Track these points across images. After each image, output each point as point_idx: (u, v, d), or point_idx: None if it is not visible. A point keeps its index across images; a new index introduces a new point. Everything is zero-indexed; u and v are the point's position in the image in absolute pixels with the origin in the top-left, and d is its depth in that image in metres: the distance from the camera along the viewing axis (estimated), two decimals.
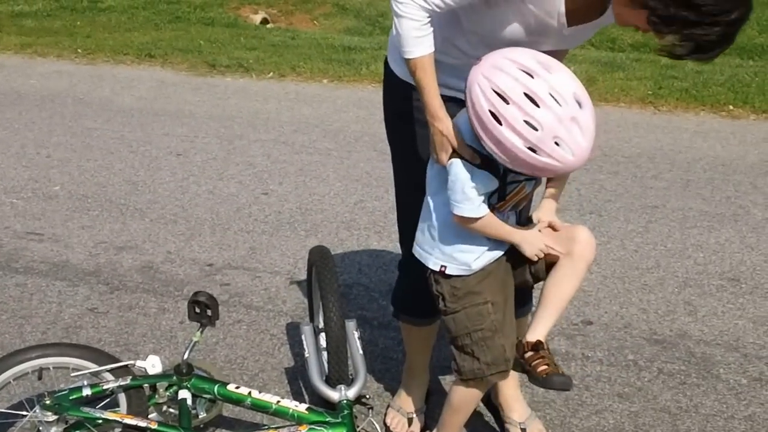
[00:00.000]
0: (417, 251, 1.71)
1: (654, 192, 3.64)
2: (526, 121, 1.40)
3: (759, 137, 4.41)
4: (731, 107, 4.87)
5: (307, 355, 1.92)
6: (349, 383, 1.85)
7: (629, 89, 5.14)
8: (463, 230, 1.60)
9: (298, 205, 3.41)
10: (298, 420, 1.80)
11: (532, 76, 1.41)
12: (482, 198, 1.55)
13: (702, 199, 3.59)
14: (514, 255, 1.67)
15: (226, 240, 3.06)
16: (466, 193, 1.54)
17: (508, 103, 1.41)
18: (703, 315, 2.59)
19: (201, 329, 1.92)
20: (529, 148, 1.41)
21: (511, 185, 1.58)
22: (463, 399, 1.73)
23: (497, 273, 1.66)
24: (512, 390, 1.99)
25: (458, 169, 1.54)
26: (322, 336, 2.01)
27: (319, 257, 2.05)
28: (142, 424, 1.74)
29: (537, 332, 1.64)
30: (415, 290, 1.89)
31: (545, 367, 1.60)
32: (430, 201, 1.67)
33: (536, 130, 1.40)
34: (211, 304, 1.89)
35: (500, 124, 1.42)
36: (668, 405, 2.11)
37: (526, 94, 1.40)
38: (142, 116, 4.59)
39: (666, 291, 2.75)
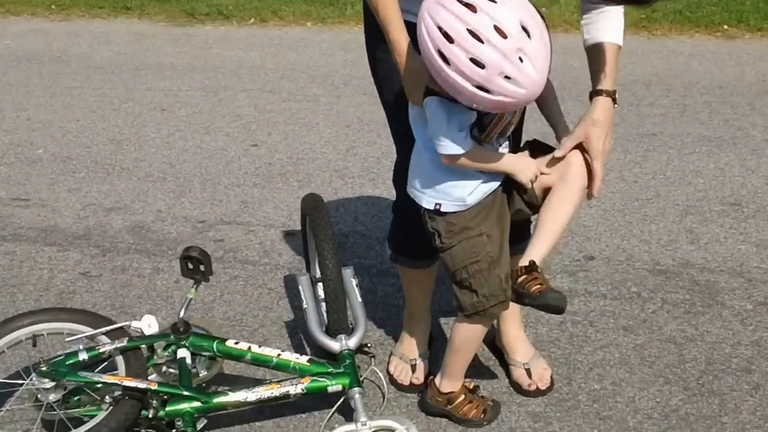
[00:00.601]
0: (410, 191, 1.67)
1: (651, 119, 3.54)
2: (471, 59, 1.33)
3: (755, 56, 4.28)
4: (726, 27, 4.71)
5: (305, 306, 1.88)
6: (350, 332, 1.82)
7: None
8: (451, 168, 1.55)
9: (288, 155, 3.31)
10: (300, 372, 1.77)
11: (474, 11, 1.33)
12: (464, 132, 1.49)
13: (700, 124, 3.49)
14: (509, 186, 1.62)
15: (217, 195, 2.98)
16: (445, 131, 1.48)
17: (452, 42, 1.33)
18: (706, 242, 2.54)
19: (195, 285, 1.87)
20: (478, 87, 1.35)
21: (489, 115, 1.51)
22: (466, 338, 1.71)
23: (493, 206, 1.62)
24: (515, 331, 1.95)
25: (434, 106, 1.47)
26: (320, 286, 1.96)
27: (311, 206, 1.98)
28: (142, 385, 1.70)
29: (532, 256, 1.60)
30: (411, 231, 1.82)
31: (539, 286, 1.56)
32: (418, 141, 1.61)
33: (482, 68, 1.33)
34: (203, 258, 1.83)
35: (447, 64, 1.36)
36: (673, 335, 2.08)
37: (469, 31, 1.32)
38: (122, 72, 4.43)
39: (667, 220, 2.69)
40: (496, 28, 1.31)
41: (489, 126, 1.53)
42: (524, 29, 1.33)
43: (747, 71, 4.08)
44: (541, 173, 1.58)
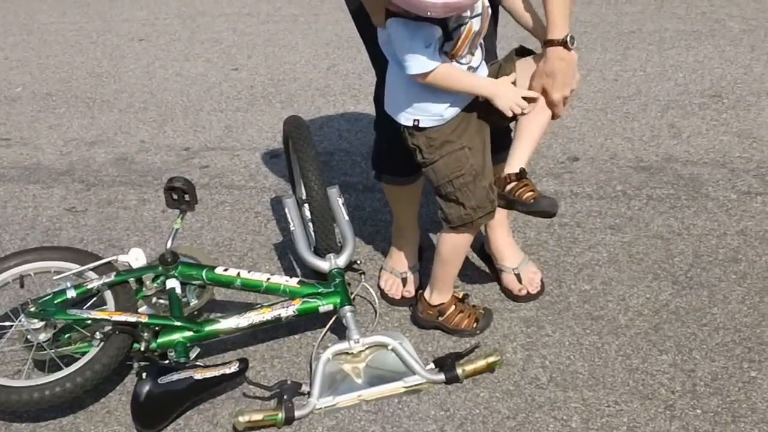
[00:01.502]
0: (388, 109, 1.49)
1: (629, 17, 3.24)
2: None
3: None
4: None
5: (292, 228, 1.70)
6: (339, 251, 1.65)
7: None
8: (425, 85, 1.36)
9: (270, 77, 3.02)
10: (291, 295, 1.61)
11: None
12: (430, 50, 1.31)
13: (678, 18, 3.20)
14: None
15: (200, 122, 2.72)
16: (410, 50, 1.30)
17: None
18: (688, 135, 2.33)
19: (181, 215, 1.67)
20: None
21: (456, 30, 1.33)
22: (452, 248, 1.56)
23: (471, 117, 1.45)
24: (503, 237, 1.77)
25: (395, 27, 1.31)
26: (306, 207, 1.77)
27: (293, 128, 1.77)
28: (132, 318, 1.54)
29: (515, 163, 1.49)
30: (392, 148, 1.63)
31: (531, 192, 1.48)
32: (390, 61, 1.42)
33: None
34: (187, 188, 1.63)
35: None
36: (660, 230, 1.91)
37: None
38: (98, 4, 4.03)
39: (649, 116, 2.46)
40: None
41: (459, 39, 1.34)
42: None
43: None
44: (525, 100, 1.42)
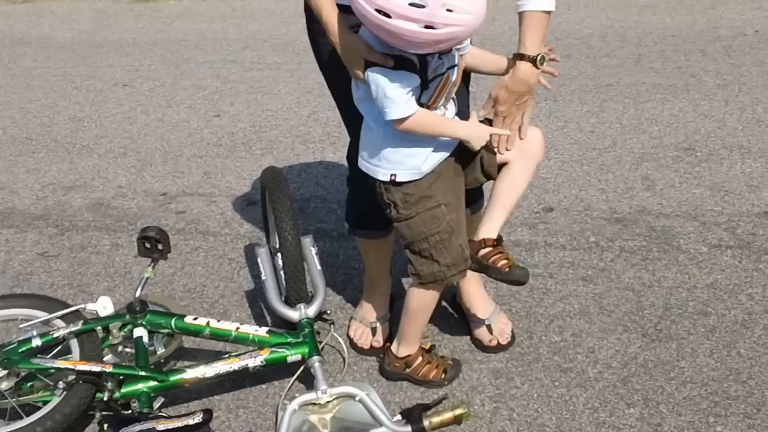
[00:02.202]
0: (363, 165, 1.54)
1: (607, 70, 3.39)
2: (411, 4, 1.28)
3: (706, 4, 4.12)
4: None
5: (264, 277, 1.74)
6: (309, 301, 1.69)
7: None
8: (407, 134, 1.42)
9: (251, 124, 3.12)
10: (260, 344, 1.64)
11: None
12: (408, 97, 1.38)
13: (654, 72, 3.35)
14: (463, 154, 1.51)
15: (179, 167, 2.79)
16: (389, 96, 1.37)
17: None
18: (661, 188, 2.42)
19: (152, 264, 1.72)
20: (427, 27, 1.29)
21: (434, 80, 1.40)
22: (421, 303, 1.60)
23: (447, 173, 1.50)
24: (476, 288, 1.82)
25: (375, 76, 1.38)
26: (279, 256, 1.82)
27: (270, 178, 1.84)
28: (96, 368, 1.56)
29: (492, 229, 1.55)
30: (366, 205, 1.69)
31: (506, 261, 1.54)
32: (367, 118, 1.49)
33: (423, 7, 1.28)
34: (161, 237, 1.68)
35: (389, 17, 1.29)
36: (631, 282, 1.97)
37: None
38: (84, 50, 4.16)
39: (624, 168, 2.56)
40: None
41: (436, 89, 1.41)
42: None
43: (698, 19, 3.93)
44: (500, 148, 1.52)
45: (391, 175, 1.47)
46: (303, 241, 1.77)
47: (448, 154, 1.49)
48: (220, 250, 2.24)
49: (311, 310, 1.66)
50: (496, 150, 1.53)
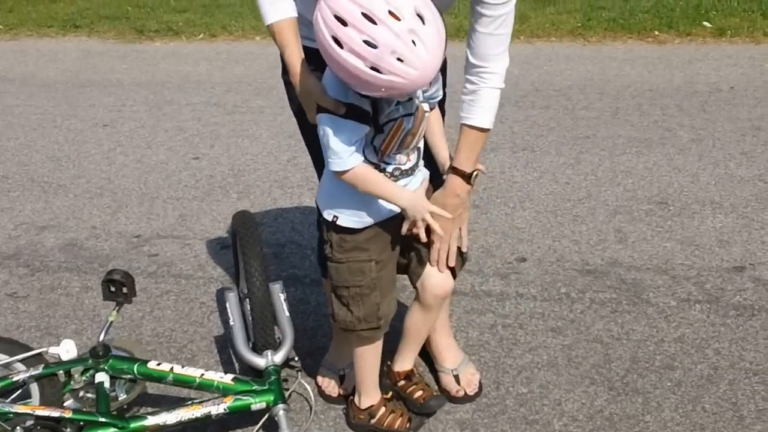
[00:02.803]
0: (317, 198, 1.60)
1: (585, 122, 3.52)
2: (365, 41, 1.29)
3: (683, 60, 4.31)
4: (657, 33, 4.75)
5: (231, 323, 1.77)
6: (277, 348, 1.72)
7: (560, 23, 4.96)
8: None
9: (230, 167, 3.19)
10: (224, 392, 1.66)
11: None
12: (352, 150, 1.43)
13: (630, 126, 3.48)
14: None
15: (154, 209, 2.84)
16: (332, 147, 1.42)
17: (346, 25, 1.29)
18: (633, 241, 2.50)
19: (117, 308, 1.75)
20: (372, 68, 1.30)
21: (387, 125, 1.45)
22: (359, 350, 1.67)
23: (387, 231, 1.55)
24: (445, 338, 1.87)
25: (324, 124, 1.43)
26: (248, 302, 1.85)
27: (241, 223, 1.89)
28: (55, 414, 1.58)
29: (407, 361, 1.70)
30: None
31: (421, 392, 1.70)
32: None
33: (375, 47, 1.29)
34: (126, 281, 1.71)
35: (341, 47, 1.31)
36: (600, 335, 2.03)
37: (363, 14, 1.28)
38: (66, 89, 4.25)
39: (597, 220, 2.64)
40: (390, 12, 1.28)
41: (388, 134, 1.45)
42: (418, 15, 1.30)
43: (676, 74, 4.10)
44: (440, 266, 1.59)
45: (334, 217, 1.52)
46: (272, 288, 1.81)
47: (393, 214, 1.52)
48: (191, 294, 2.27)
49: (278, 357, 1.69)
50: (435, 266, 1.60)
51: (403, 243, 1.59)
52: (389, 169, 1.50)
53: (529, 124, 3.50)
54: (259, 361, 1.70)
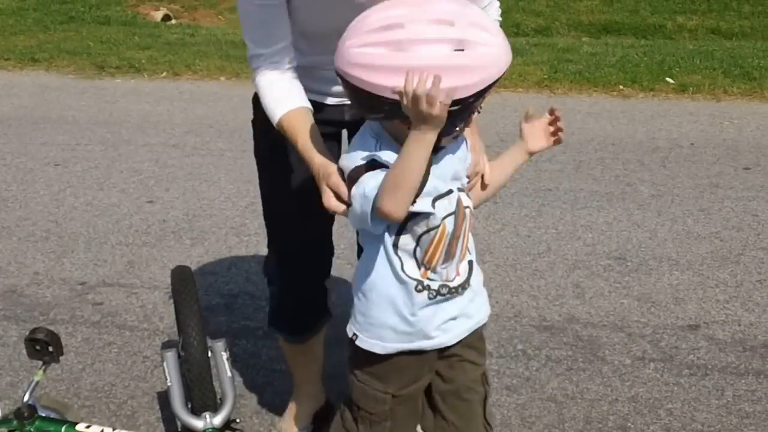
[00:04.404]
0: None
1: (548, 175, 3.63)
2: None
3: (647, 115, 4.50)
4: (622, 87, 4.96)
5: (169, 383, 1.76)
6: (216, 409, 1.71)
7: (526, 74, 5.15)
8: (383, 298, 1.31)
9: (185, 212, 3.20)
10: None
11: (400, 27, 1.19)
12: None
13: (593, 179, 3.61)
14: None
15: (102, 255, 2.82)
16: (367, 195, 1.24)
17: (403, 27, 1.18)
18: (591, 297, 2.57)
19: (43, 367, 1.72)
20: (458, 49, 1.17)
21: (428, 233, 1.30)
22: None
23: (414, 365, 1.36)
24: None
25: (359, 192, 1.25)
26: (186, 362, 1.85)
27: (178, 279, 1.90)
28: None
29: None
30: (284, 304, 1.76)
31: None
32: (359, 260, 1.39)
33: (451, 24, 1.18)
34: (50, 339, 1.69)
35: (413, 47, 1.18)
36: (555, 393, 2.07)
37: (411, 11, 1.19)
38: (20, 126, 4.23)
39: (556, 275, 2.72)
40: (436, 20, 1.19)
41: (431, 246, 1.29)
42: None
43: (638, 129, 4.28)
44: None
45: (354, 334, 1.36)
46: (214, 346, 1.81)
47: (418, 347, 1.32)
48: (135, 347, 2.25)
49: (217, 419, 1.68)
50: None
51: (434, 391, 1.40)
52: (434, 286, 1.31)
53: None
54: (197, 424, 1.67)
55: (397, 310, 1.30)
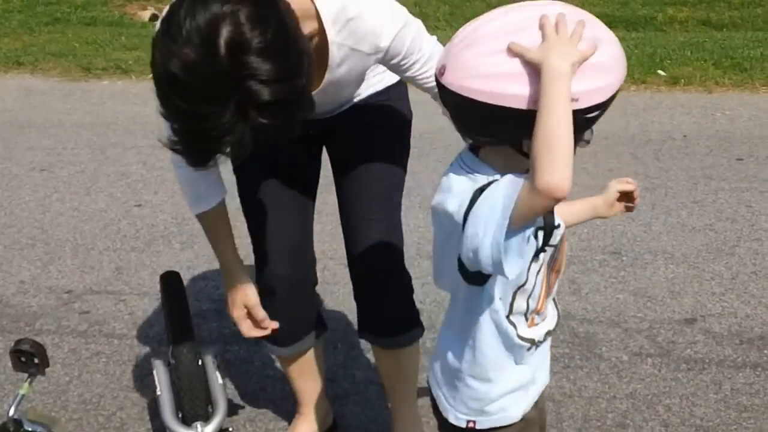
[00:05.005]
0: (435, 393, 1.23)
1: None
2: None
3: (639, 108, 4.48)
4: None
5: (159, 393, 1.74)
6: (207, 419, 1.68)
7: None
8: (500, 374, 1.16)
9: (174, 216, 3.15)
10: None
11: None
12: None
13: (587, 174, 3.57)
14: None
15: (89, 262, 2.78)
16: (501, 220, 1.03)
17: (516, 33, 1.04)
18: (587, 292, 2.54)
19: (29, 380, 1.68)
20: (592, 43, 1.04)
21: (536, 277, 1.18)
22: None
23: (534, 422, 1.24)
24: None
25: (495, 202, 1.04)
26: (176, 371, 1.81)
27: (167, 285, 1.86)
28: None
29: None
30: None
31: None
32: (443, 327, 1.24)
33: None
34: (36, 351, 1.65)
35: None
36: (552, 392, 2.04)
37: (507, 22, 1.07)
38: (4, 130, 4.17)
39: None
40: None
41: (542, 289, 1.17)
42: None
43: (631, 122, 4.25)
44: None
45: (469, 422, 1.18)
46: (204, 354, 1.78)
47: (531, 397, 1.21)
48: (124, 356, 2.21)
49: (209, 429, 1.66)
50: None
51: None
52: (543, 331, 1.19)
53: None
54: None
55: (517, 378, 1.17)
